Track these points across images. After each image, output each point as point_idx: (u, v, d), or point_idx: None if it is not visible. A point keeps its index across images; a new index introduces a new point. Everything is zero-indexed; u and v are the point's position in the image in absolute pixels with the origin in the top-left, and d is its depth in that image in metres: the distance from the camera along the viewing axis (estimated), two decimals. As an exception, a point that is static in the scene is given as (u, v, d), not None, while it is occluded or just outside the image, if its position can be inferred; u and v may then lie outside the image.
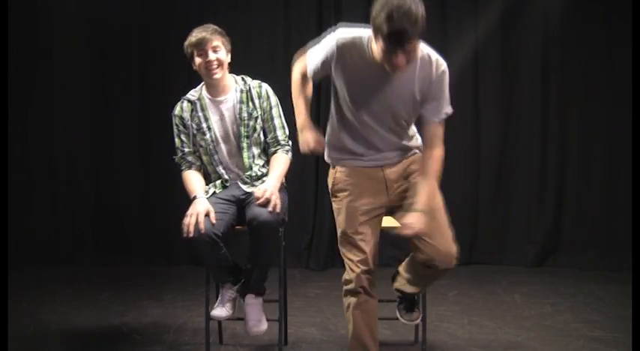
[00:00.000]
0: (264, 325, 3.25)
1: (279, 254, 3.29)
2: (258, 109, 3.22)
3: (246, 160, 3.22)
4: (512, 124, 5.22)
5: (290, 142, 3.29)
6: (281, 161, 3.26)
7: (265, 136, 3.29)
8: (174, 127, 3.27)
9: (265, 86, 3.27)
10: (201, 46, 3.11)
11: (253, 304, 3.24)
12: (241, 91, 3.23)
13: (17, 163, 5.00)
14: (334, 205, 2.91)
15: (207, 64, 3.12)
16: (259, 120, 3.23)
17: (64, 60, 5.22)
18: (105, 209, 5.34)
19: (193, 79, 3.42)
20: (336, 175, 2.87)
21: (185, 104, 3.25)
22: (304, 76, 2.85)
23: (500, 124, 5.22)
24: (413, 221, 2.67)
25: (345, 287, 2.86)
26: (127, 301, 4.31)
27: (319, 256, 5.21)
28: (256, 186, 3.23)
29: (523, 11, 5.12)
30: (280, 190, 3.25)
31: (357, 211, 2.81)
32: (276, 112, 3.27)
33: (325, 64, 2.70)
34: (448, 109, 2.73)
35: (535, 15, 5.10)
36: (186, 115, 3.23)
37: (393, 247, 5.21)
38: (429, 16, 5.32)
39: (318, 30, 5.13)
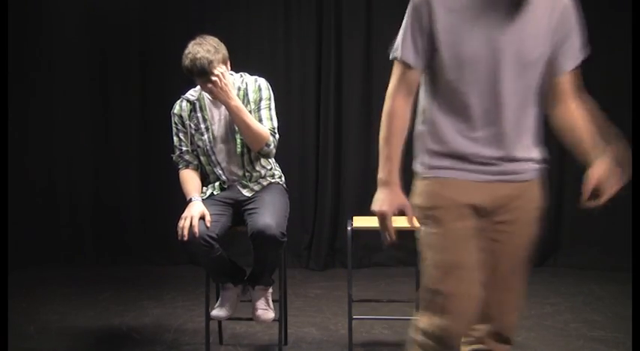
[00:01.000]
0: (271, 314, 3.26)
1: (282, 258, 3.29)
2: (252, 103, 3.18)
3: (240, 157, 3.20)
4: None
5: (277, 136, 3.20)
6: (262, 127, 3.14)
7: None
8: (173, 125, 3.26)
9: (260, 80, 3.23)
10: (203, 76, 3.02)
11: (261, 294, 3.27)
12: (239, 88, 3.19)
13: (17, 163, 5.00)
14: (427, 230, 2.06)
15: (211, 89, 3.07)
16: (253, 114, 3.17)
17: (63, 60, 5.22)
18: (105, 209, 5.33)
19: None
20: (431, 187, 2.07)
21: (184, 104, 3.24)
22: (403, 94, 2.04)
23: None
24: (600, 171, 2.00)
25: (419, 338, 2.03)
26: (127, 301, 4.31)
27: (319, 256, 5.21)
28: (256, 190, 3.22)
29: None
30: (280, 193, 3.26)
31: (466, 237, 2.03)
32: (266, 103, 3.19)
33: (424, 30, 1.98)
34: (584, 51, 2.18)
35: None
36: (185, 114, 3.22)
37: (393, 248, 5.22)
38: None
39: (318, 30, 5.17)
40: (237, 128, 3.15)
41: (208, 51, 3.01)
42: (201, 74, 3.01)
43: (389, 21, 5.11)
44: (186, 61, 3.02)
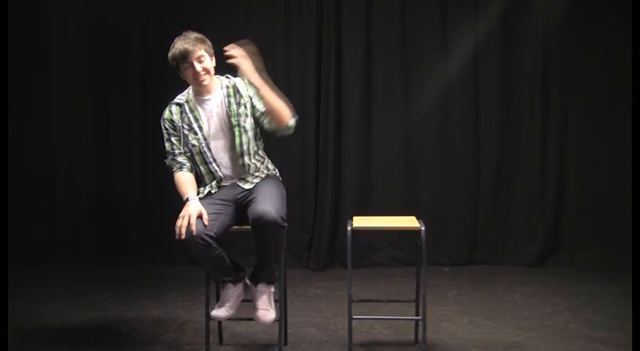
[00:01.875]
0: (271, 315, 3.24)
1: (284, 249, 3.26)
2: (245, 97, 3.26)
3: (237, 148, 3.24)
4: (512, 125, 5.22)
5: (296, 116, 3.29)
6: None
7: (260, 119, 3.29)
8: (164, 131, 3.32)
9: (245, 79, 3.33)
10: (185, 59, 3.14)
11: (263, 292, 3.26)
12: (227, 87, 3.29)
13: (17, 163, 5.00)
14: None
15: (195, 75, 3.18)
16: (248, 106, 3.26)
17: (64, 60, 5.22)
18: (105, 209, 5.33)
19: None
20: None
21: (174, 107, 3.31)
22: None
23: (500, 125, 5.22)
24: None
25: None
26: (127, 301, 4.31)
27: (319, 256, 5.20)
28: (255, 183, 3.26)
29: (523, 14, 5.12)
30: (276, 183, 3.31)
31: None
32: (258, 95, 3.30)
33: None
34: None
35: (535, 18, 5.10)
36: (176, 117, 3.28)
37: (393, 247, 5.23)
38: (428, 20, 5.36)
39: (318, 30, 5.16)
40: (233, 120, 3.21)
41: (195, 39, 3.18)
42: (184, 57, 3.13)
43: (389, 21, 5.12)
44: (177, 51, 3.16)
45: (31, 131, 5.23)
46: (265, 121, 3.27)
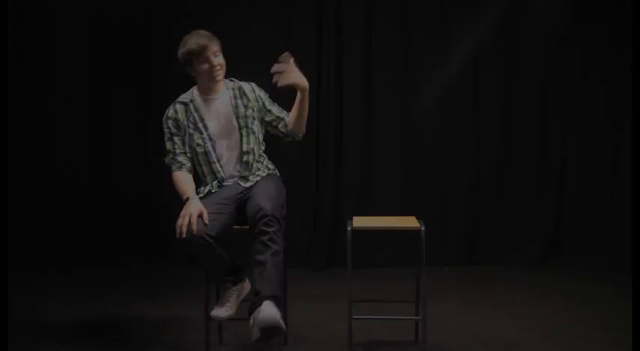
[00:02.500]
0: (278, 314, 2.94)
1: (284, 254, 3.13)
2: (253, 101, 3.31)
3: (243, 147, 3.26)
4: (512, 125, 5.22)
5: None
6: None
7: (273, 122, 3.37)
8: (166, 130, 3.31)
9: (252, 83, 3.39)
10: (201, 54, 3.18)
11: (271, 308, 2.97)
12: (233, 88, 3.33)
13: (17, 163, 5.00)
14: None
15: (212, 69, 3.21)
16: (256, 109, 3.31)
17: (64, 60, 5.22)
18: (105, 209, 5.33)
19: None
20: None
21: (178, 106, 3.31)
22: None
23: (500, 125, 5.22)
24: None
25: None
26: (127, 301, 4.31)
27: (319, 256, 5.21)
28: (256, 181, 3.28)
29: (523, 14, 5.12)
30: (275, 181, 3.33)
31: None
32: (271, 100, 3.37)
33: None
34: None
35: (535, 18, 5.10)
36: (181, 116, 3.28)
37: (393, 247, 5.23)
38: (428, 20, 5.37)
39: (318, 29, 5.16)
40: (240, 122, 3.25)
41: (208, 34, 3.24)
42: (201, 51, 3.16)
43: (389, 20, 5.12)
44: (194, 45, 3.19)
45: (31, 131, 5.23)
46: (280, 125, 3.34)
